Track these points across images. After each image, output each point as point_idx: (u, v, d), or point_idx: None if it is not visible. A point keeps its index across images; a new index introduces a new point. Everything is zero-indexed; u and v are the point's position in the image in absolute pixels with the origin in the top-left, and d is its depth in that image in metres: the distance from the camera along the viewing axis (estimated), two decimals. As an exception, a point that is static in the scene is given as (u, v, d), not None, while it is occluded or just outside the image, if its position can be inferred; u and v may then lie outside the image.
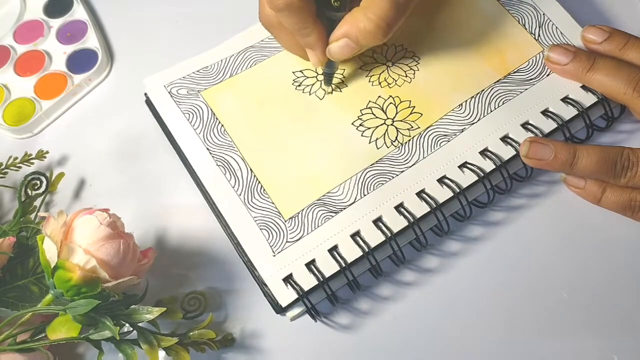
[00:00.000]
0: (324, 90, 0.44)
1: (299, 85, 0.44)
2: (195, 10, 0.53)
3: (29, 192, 0.44)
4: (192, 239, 0.44)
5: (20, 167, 0.45)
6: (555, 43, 0.43)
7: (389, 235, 0.38)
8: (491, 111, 0.42)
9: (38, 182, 0.44)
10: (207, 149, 0.42)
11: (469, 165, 0.40)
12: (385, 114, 0.43)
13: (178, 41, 0.51)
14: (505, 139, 0.41)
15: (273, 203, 0.40)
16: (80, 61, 0.52)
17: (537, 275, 0.40)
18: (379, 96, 0.43)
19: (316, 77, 0.45)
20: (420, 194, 0.39)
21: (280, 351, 0.40)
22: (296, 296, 0.37)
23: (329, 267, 0.38)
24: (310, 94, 0.44)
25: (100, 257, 0.34)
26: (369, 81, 0.44)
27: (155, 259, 0.39)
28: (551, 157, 0.39)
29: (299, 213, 0.40)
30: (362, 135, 0.42)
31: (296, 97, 0.44)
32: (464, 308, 0.40)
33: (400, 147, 0.41)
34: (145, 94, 0.46)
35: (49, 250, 0.35)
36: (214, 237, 0.43)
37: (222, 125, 0.43)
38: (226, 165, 0.42)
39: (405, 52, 0.45)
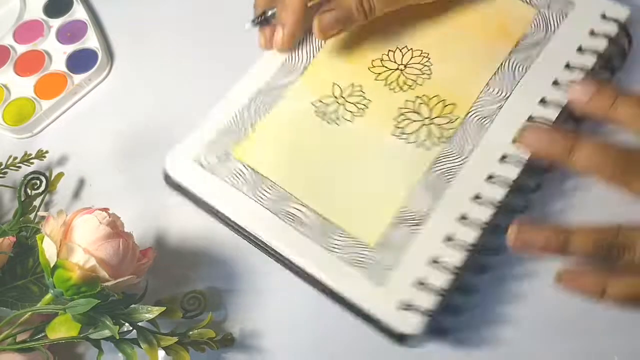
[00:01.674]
0: (349, 112, 0.43)
1: (324, 115, 0.43)
2: (196, 10, 0.53)
3: (29, 191, 0.44)
4: (192, 238, 0.44)
5: (20, 167, 0.45)
6: (528, 126, 0.40)
7: (483, 226, 0.37)
8: (518, 81, 0.42)
9: (38, 181, 0.44)
10: (267, 208, 0.40)
11: None
12: (420, 114, 0.42)
13: (178, 41, 0.51)
14: (542, 101, 0.41)
15: (352, 237, 0.38)
16: (80, 61, 0.52)
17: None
18: (406, 100, 0.43)
19: (336, 100, 0.43)
20: (490, 179, 0.39)
21: (280, 351, 0.40)
22: (421, 319, 0.35)
23: (440, 279, 0.36)
24: (338, 121, 0.43)
25: (99, 256, 0.34)
26: (390, 89, 0.43)
27: (155, 258, 0.39)
28: (544, 241, 0.35)
29: (382, 237, 0.38)
30: (407, 143, 0.41)
31: (325, 127, 0.42)
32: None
33: (449, 141, 0.41)
34: (167, 174, 0.42)
35: (49, 250, 0.35)
36: (214, 237, 0.43)
37: (268, 179, 0.41)
38: (291, 217, 0.39)
39: (411, 52, 0.45)
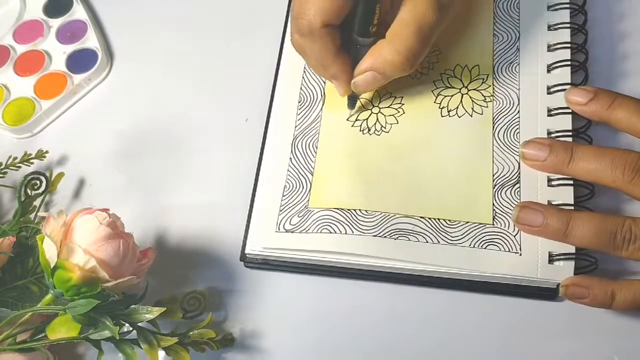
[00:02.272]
0: (390, 115, 0.42)
1: (368, 130, 0.42)
2: (196, 10, 0.53)
3: (29, 192, 0.44)
4: (192, 239, 0.44)
5: (19, 167, 0.45)
6: (527, 140, 0.39)
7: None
8: (518, 19, 0.44)
9: (38, 182, 0.44)
10: (375, 236, 0.38)
11: (555, 66, 0.42)
12: (454, 87, 0.43)
13: (178, 41, 0.51)
14: (549, 28, 0.43)
15: (467, 222, 0.38)
16: (80, 61, 0.52)
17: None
18: (434, 81, 0.43)
19: (371, 112, 0.43)
20: (550, 113, 0.40)
21: (280, 351, 0.40)
22: (571, 263, 0.37)
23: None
24: (384, 128, 0.42)
25: (100, 257, 0.34)
26: (412, 78, 0.43)
27: (155, 258, 0.39)
28: (542, 224, 0.36)
29: (494, 209, 0.38)
30: (459, 117, 0.41)
31: (377, 139, 0.42)
32: (462, 306, 0.40)
33: (494, 98, 0.42)
34: (251, 257, 0.41)
35: (49, 250, 0.35)
36: (214, 237, 0.43)
37: (356, 209, 0.39)
38: (401, 233, 0.38)
39: None
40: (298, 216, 0.40)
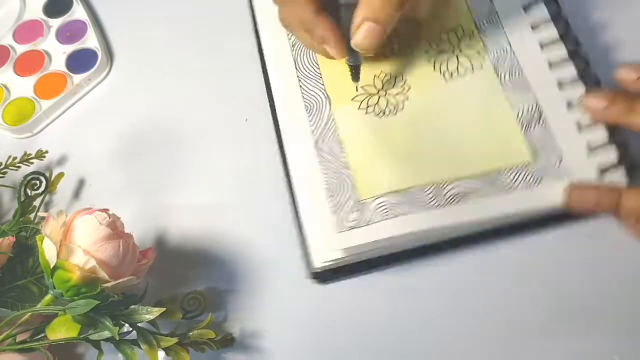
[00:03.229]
0: (399, 93, 0.43)
1: (383, 113, 0.42)
2: (196, 10, 0.53)
3: (29, 192, 0.44)
4: (192, 239, 0.44)
5: (19, 167, 0.45)
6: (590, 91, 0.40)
7: (580, 77, 0.40)
8: None
9: (37, 182, 0.44)
10: (437, 207, 0.38)
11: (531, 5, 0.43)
12: (446, 51, 0.43)
13: (178, 41, 0.51)
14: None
15: (512, 167, 0.39)
16: (80, 61, 0.52)
17: (533, 278, 0.40)
18: (425, 51, 0.44)
19: (378, 95, 0.43)
20: (542, 47, 0.42)
21: (280, 351, 0.40)
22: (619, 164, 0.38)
23: (599, 132, 0.39)
24: (398, 106, 0.42)
25: (99, 257, 0.34)
26: (406, 56, 0.44)
27: (154, 259, 0.39)
28: (594, 202, 0.37)
29: (530, 147, 0.39)
30: (463, 77, 0.42)
31: (394, 118, 0.42)
32: (461, 305, 0.40)
33: (487, 50, 0.43)
34: (319, 268, 0.40)
35: (49, 251, 0.35)
36: (213, 237, 0.43)
37: (408, 188, 0.39)
38: (458, 197, 0.39)
39: None
40: (353, 211, 0.39)
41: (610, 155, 0.38)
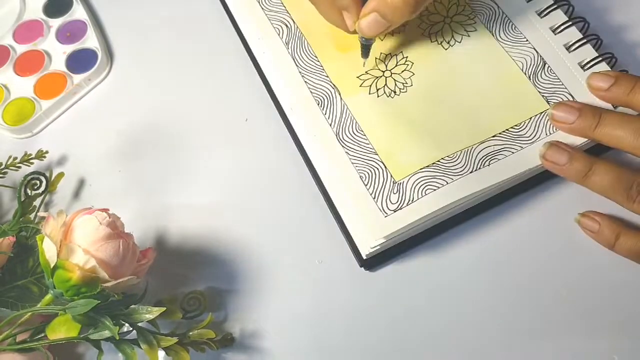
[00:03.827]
0: (404, 72, 0.43)
1: (393, 92, 0.43)
2: (196, 10, 0.53)
3: (29, 192, 0.44)
4: (192, 238, 0.44)
5: (19, 167, 0.45)
6: (558, 101, 0.41)
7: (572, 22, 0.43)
8: None
9: (38, 182, 0.44)
10: (473, 172, 0.40)
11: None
12: (439, 22, 0.45)
13: (178, 41, 0.51)
14: None
15: (530, 117, 0.41)
16: (80, 61, 0.52)
17: (537, 273, 0.40)
18: (417, 26, 0.45)
19: (384, 76, 0.43)
20: (541, 13, 0.44)
21: (280, 351, 0.40)
22: None
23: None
24: (405, 83, 0.43)
25: (99, 257, 0.34)
26: (398, 34, 0.45)
27: (154, 258, 0.39)
28: (566, 164, 0.39)
29: (543, 96, 0.42)
30: (461, 45, 0.44)
31: (405, 95, 0.43)
32: (462, 305, 0.40)
33: (475, 14, 0.45)
34: (368, 263, 0.41)
35: (49, 250, 0.35)
36: (213, 237, 0.43)
37: (439, 160, 0.40)
38: (490, 158, 0.40)
39: None
40: (394, 193, 0.40)
41: None
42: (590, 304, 0.39)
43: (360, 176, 0.40)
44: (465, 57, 0.43)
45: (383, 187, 0.40)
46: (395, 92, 0.43)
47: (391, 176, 0.40)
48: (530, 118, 0.41)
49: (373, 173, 0.40)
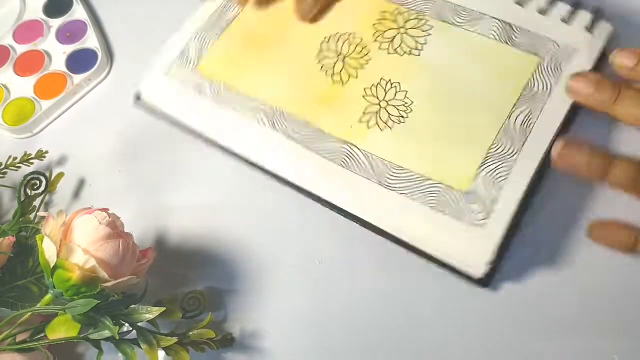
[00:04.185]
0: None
1: (400, 118, 0.42)
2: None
3: (29, 191, 0.44)
4: (192, 238, 0.44)
5: (19, 167, 0.45)
6: (576, 73, 0.40)
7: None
8: None
9: (37, 181, 0.44)
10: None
11: None
12: (390, 34, 0.44)
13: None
14: None
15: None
16: (80, 61, 0.52)
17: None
18: (379, 48, 0.44)
19: (379, 104, 0.42)
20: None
21: (280, 351, 0.40)
22: None
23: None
24: (407, 102, 0.42)
25: (99, 256, 0.34)
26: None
27: (154, 258, 0.39)
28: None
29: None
30: (425, 44, 0.43)
31: (413, 116, 0.42)
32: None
33: (424, 12, 0.44)
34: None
35: (48, 250, 0.35)
36: (213, 237, 0.43)
37: (479, 166, 0.39)
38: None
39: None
40: (471, 203, 0.38)
41: (586, 16, 0.42)
42: (590, 304, 0.39)
43: (430, 207, 0.38)
44: (440, 54, 0.43)
45: (457, 203, 0.38)
46: (402, 115, 0.42)
47: (457, 190, 0.39)
48: (532, 75, 0.41)
49: (440, 197, 0.39)
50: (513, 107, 0.40)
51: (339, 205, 0.41)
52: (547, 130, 0.39)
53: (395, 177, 0.40)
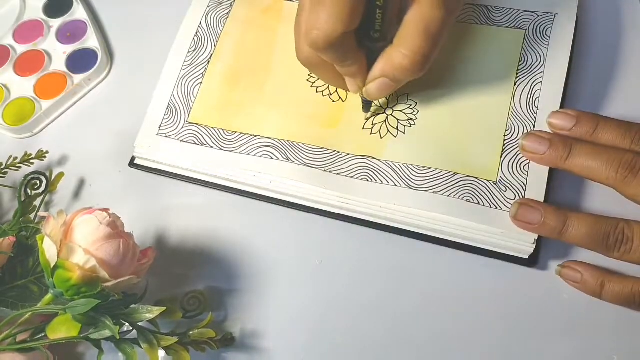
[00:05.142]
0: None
1: (410, 122, 0.42)
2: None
3: (29, 192, 0.44)
4: (192, 238, 0.44)
5: (20, 167, 0.45)
6: (528, 132, 0.40)
7: None
8: None
9: (38, 182, 0.44)
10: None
11: None
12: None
13: (178, 41, 0.51)
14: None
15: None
16: (80, 61, 0.52)
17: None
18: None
19: (385, 113, 0.43)
20: None
21: (280, 351, 0.40)
22: None
23: None
24: (408, 114, 0.42)
25: (100, 256, 0.34)
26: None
27: (155, 258, 0.39)
28: (540, 222, 0.37)
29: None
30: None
31: (417, 128, 0.42)
32: (464, 304, 0.40)
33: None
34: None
35: (49, 250, 0.35)
36: (213, 237, 0.43)
37: (500, 151, 0.40)
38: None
39: None
40: (504, 191, 0.39)
41: None
42: (590, 304, 0.39)
43: (466, 200, 0.39)
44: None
45: (491, 193, 0.39)
46: (410, 119, 0.42)
47: (487, 181, 0.39)
48: (522, 47, 0.42)
49: (473, 189, 0.39)
50: (514, 85, 0.41)
51: (375, 221, 0.41)
52: (553, 101, 0.40)
53: (423, 177, 0.40)
